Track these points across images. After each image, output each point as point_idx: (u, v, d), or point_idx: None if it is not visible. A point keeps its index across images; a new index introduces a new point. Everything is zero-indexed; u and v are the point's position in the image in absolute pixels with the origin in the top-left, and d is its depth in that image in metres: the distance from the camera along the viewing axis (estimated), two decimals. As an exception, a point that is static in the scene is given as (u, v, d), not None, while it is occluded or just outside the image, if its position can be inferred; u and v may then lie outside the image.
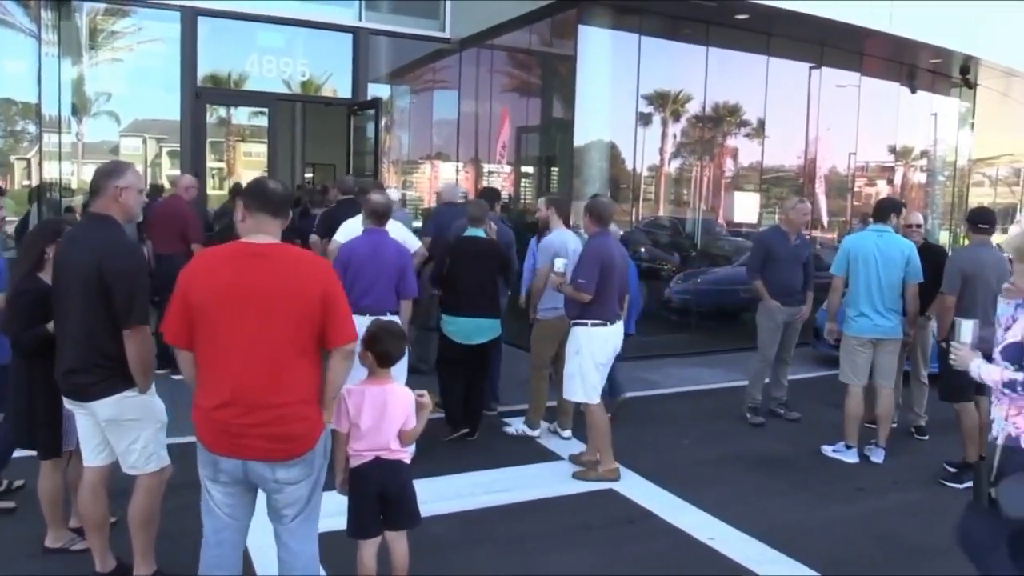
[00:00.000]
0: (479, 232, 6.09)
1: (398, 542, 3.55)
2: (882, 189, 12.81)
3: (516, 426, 6.40)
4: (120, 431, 3.57)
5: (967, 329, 3.37)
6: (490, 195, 7.65)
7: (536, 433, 6.28)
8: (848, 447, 5.99)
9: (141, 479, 3.67)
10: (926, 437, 6.55)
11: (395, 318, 5.10)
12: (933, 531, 4.82)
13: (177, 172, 10.42)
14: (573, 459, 5.70)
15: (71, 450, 4.07)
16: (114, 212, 3.51)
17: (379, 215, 5.48)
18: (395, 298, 5.37)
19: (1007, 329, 3.26)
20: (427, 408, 3.49)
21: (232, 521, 3.05)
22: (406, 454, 3.53)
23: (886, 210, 6.15)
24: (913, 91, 12.33)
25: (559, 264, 5.53)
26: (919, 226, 6.59)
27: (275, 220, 2.98)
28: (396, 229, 5.92)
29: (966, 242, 7.01)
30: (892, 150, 12.77)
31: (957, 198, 14.52)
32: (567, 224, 6.39)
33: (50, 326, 3.72)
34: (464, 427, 6.10)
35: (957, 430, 5.68)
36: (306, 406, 2.95)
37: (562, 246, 5.93)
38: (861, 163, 12.26)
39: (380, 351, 3.45)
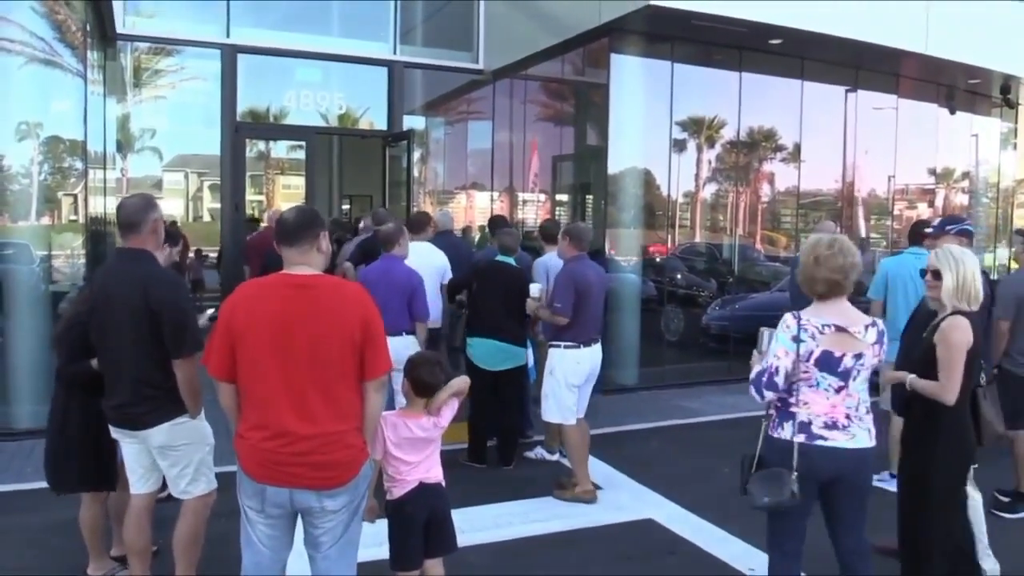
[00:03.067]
0: (510, 260, 6.17)
1: (436, 570, 3.56)
2: (923, 212, 12.62)
3: (536, 451, 6.47)
4: (173, 457, 3.65)
5: (765, 337, 3.51)
6: (496, 223, 7.77)
7: (555, 457, 6.34)
8: (892, 476, 5.85)
9: (188, 503, 3.74)
10: (976, 465, 6.36)
11: (411, 338, 5.51)
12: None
13: (218, 205, 10.62)
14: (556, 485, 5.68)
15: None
16: (149, 245, 3.61)
17: (384, 242, 5.91)
18: (408, 320, 5.68)
19: None
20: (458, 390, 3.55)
21: (272, 554, 3.06)
22: (442, 478, 3.55)
23: (917, 233, 6.06)
24: (952, 112, 12.15)
25: (535, 289, 5.71)
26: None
27: (293, 249, 2.98)
28: (432, 255, 6.38)
29: (1015, 265, 6.87)
30: (932, 172, 12.58)
31: (1001, 220, 14.25)
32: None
33: (94, 362, 3.78)
34: (482, 462, 6.20)
35: (1011, 456, 5.52)
36: (351, 434, 2.97)
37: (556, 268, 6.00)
38: (901, 186, 12.09)
39: (415, 378, 3.47)
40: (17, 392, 6.78)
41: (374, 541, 3.60)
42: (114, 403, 3.63)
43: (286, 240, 2.99)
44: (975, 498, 4.27)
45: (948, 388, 3.54)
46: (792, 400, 3.31)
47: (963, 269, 3.65)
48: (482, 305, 6.10)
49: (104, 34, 8.98)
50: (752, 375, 3.37)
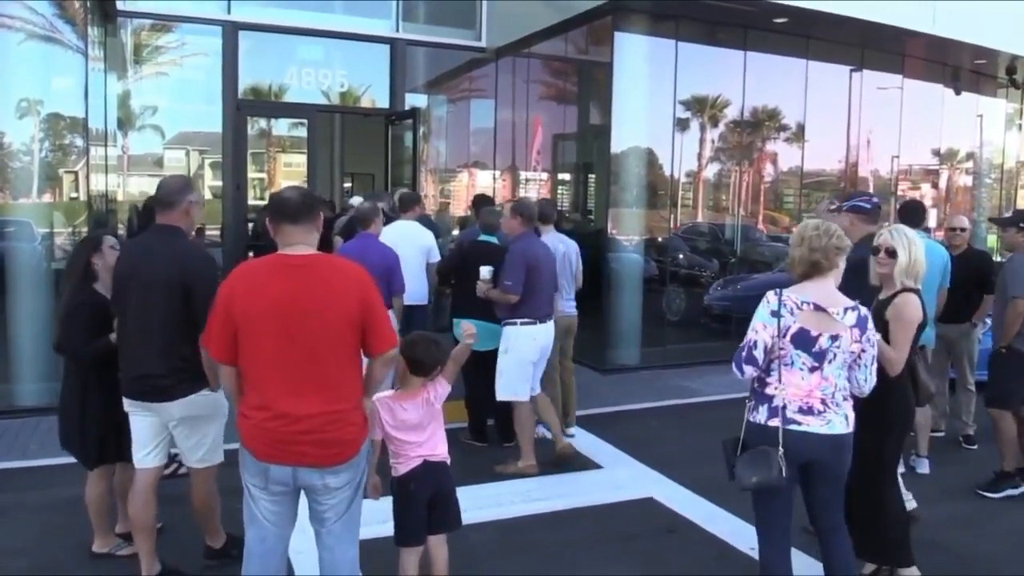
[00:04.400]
0: (491, 238, 6.20)
1: (440, 548, 3.58)
2: (926, 192, 12.58)
3: (538, 429, 6.36)
4: (193, 427, 3.78)
5: (485, 272, 5.06)
6: (479, 201, 7.78)
7: (572, 431, 6.48)
8: (919, 456, 5.89)
9: (199, 473, 3.86)
10: (975, 447, 6.40)
11: (389, 312, 5.48)
12: (984, 541, 4.72)
13: (219, 183, 10.60)
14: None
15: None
16: (182, 224, 3.76)
17: (361, 221, 6.16)
18: (386, 296, 5.69)
19: None
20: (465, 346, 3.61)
21: (276, 529, 3.08)
22: (447, 455, 3.57)
23: (916, 214, 5.97)
24: (957, 92, 12.08)
25: (485, 272, 5.72)
26: (963, 230, 6.46)
27: (297, 227, 2.98)
28: (418, 234, 6.63)
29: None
30: (936, 153, 12.53)
31: (1005, 201, 14.20)
32: (557, 228, 6.63)
33: (113, 336, 3.88)
34: (484, 440, 6.29)
35: (995, 437, 5.53)
36: (352, 411, 3.01)
37: (553, 247, 6.14)
38: (904, 166, 12.04)
39: (411, 357, 3.46)
40: (20, 370, 6.81)
41: (378, 518, 3.62)
42: (137, 374, 3.69)
43: (290, 219, 2.98)
44: None
45: (898, 360, 3.74)
46: (769, 380, 3.35)
47: (915, 249, 3.85)
48: (467, 285, 6.02)
49: (104, 11, 8.91)
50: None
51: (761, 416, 3.36)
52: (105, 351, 3.93)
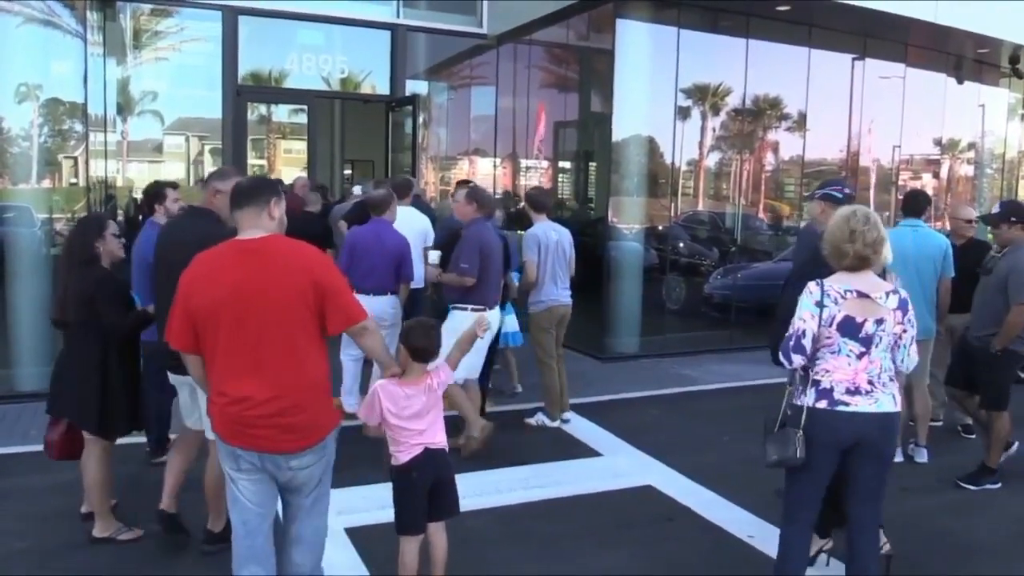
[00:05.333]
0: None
1: (439, 535, 3.58)
2: (927, 182, 12.55)
3: (537, 417, 6.51)
4: None
5: (434, 256, 5.28)
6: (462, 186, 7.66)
7: (555, 423, 6.46)
8: (917, 446, 5.90)
9: (214, 444, 3.85)
10: (974, 436, 6.41)
11: (395, 297, 5.93)
12: (980, 530, 4.73)
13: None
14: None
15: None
16: (214, 208, 3.97)
17: (376, 207, 6.14)
18: (395, 281, 6.01)
19: None
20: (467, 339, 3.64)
21: (259, 509, 3.10)
22: (446, 443, 3.58)
23: (921, 204, 5.95)
24: (960, 82, 12.04)
25: (433, 256, 5.83)
26: (966, 221, 6.44)
27: (245, 212, 3.03)
28: (415, 219, 6.72)
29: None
30: (938, 142, 12.50)
31: (1006, 191, 14.17)
32: (549, 216, 6.62)
33: (151, 308, 4.17)
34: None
35: (986, 434, 5.52)
36: (313, 396, 3.02)
37: (544, 236, 6.28)
38: (906, 156, 12.02)
39: (411, 345, 3.45)
40: (20, 355, 6.82)
41: (377, 504, 3.62)
42: (168, 348, 3.77)
43: (236, 204, 3.06)
44: None
45: None
46: (816, 367, 3.38)
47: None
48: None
49: (104, -6, 8.89)
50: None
51: (809, 399, 3.38)
52: (144, 323, 4.22)
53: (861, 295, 3.30)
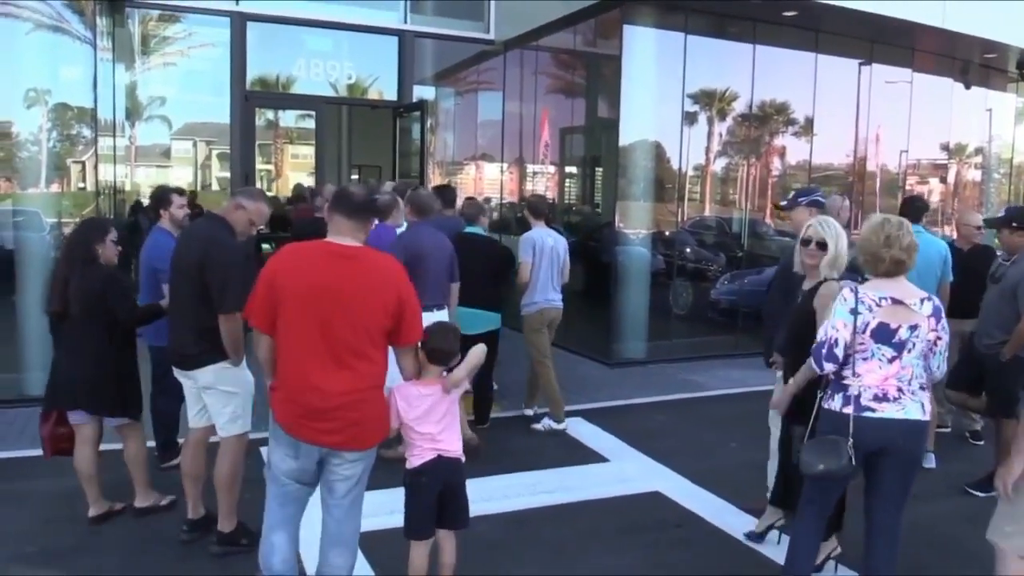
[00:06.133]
0: (477, 229, 6.41)
1: (448, 541, 3.59)
2: (934, 187, 12.53)
3: (544, 422, 6.53)
4: (216, 396, 4.15)
5: None
6: (441, 190, 7.62)
7: (563, 426, 6.48)
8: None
9: (226, 442, 4.17)
10: (982, 442, 6.39)
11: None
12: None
13: (227, 175, 10.62)
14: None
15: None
16: (230, 219, 4.17)
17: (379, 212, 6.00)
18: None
19: None
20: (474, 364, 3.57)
21: (298, 488, 3.25)
22: (462, 453, 3.58)
23: (919, 210, 5.98)
24: (967, 87, 12.02)
25: None
26: (978, 228, 6.42)
27: (350, 222, 3.20)
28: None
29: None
30: (945, 147, 12.47)
31: (1014, 196, 14.14)
32: (547, 223, 6.73)
33: (164, 302, 4.46)
34: (484, 423, 6.44)
35: (996, 440, 5.47)
36: (377, 396, 3.23)
37: (540, 240, 6.42)
38: (913, 161, 12.00)
39: (430, 347, 3.45)
40: (29, 359, 6.84)
41: (386, 509, 3.63)
42: (174, 346, 4.18)
43: (350, 213, 3.20)
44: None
45: None
46: (846, 373, 3.42)
47: (841, 242, 3.95)
48: (462, 275, 6.00)
49: (113, 0, 8.92)
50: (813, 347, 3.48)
51: (836, 404, 3.44)
52: (154, 315, 4.57)
53: (896, 301, 3.35)
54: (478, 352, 3.57)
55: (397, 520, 3.57)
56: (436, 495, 3.47)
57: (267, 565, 3.28)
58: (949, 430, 6.57)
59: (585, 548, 4.45)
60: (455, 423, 3.55)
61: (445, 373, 3.50)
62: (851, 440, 3.32)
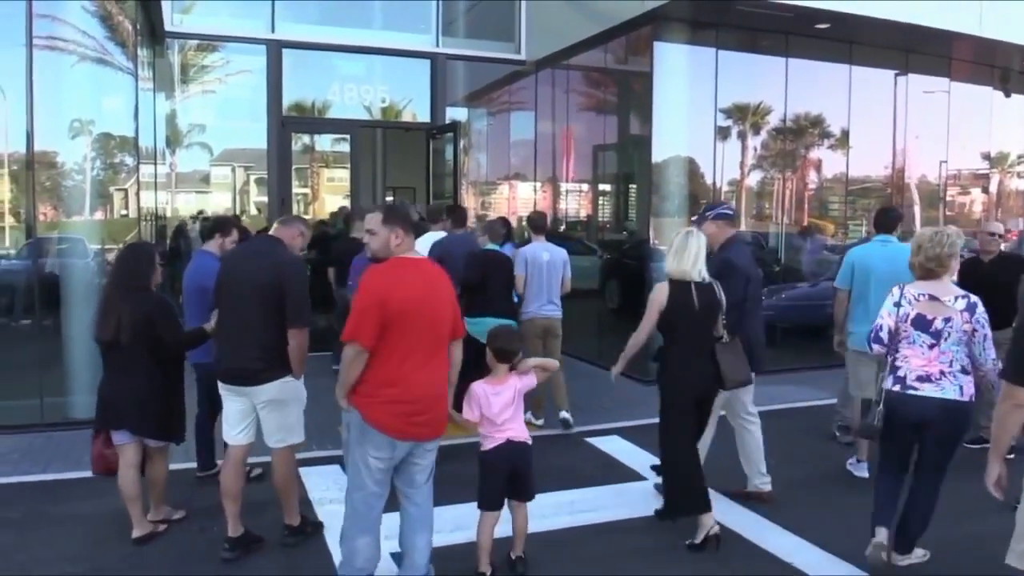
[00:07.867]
0: (496, 246, 6.85)
1: (520, 510, 4.21)
2: (976, 197, 12.31)
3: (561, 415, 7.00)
4: (277, 409, 4.35)
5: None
6: (451, 211, 7.90)
7: (539, 422, 6.98)
8: (859, 461, 5.87)
9: (280, 453, 4.44)
10: (1011, 456, 6.20)
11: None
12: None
13: (264, 199, 10.78)
14: None
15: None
16: (290, 243, 4.49)
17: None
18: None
19: None
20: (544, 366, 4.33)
21: (381, 489, 3.65)
22: (528, 437, 4.15)
23: (892, 220, 5.96)
24: (1007, 95, 11.82)
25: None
26: (998, 235, 6.33)
27: (412, 237, 3.73)
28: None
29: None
30: (986, 156, 12.26)
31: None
32: (546, 237, 7.19)
33: (208, 326, 4.62)
34: None
35: None
36: (448, 389, 3.78)
37: (536, 255, 6.89)
38: (953, 171, 11.80)
39: (496, 347, 4.08)
40: (75, 383, 6.97)
41: (451, 527, 4.20)
42: (233, 363, 4.28)
43: (415, 230, 3.76)
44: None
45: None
46: (897, 356, 4.14)
47: (679, 253, 4.72)
48: (486, 288, 6.51)
49: (153, 32, 9.15)
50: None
51: (888, 383, 4.14)
52: (199, 340, 4.71)
53: (932, 298, 4.05)
54: (552, 361, 4.52)
55: (463, 536, 4.12)
56: (505, 474, 4.04)
57: (351, 566, 3.64)
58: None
59: (624, 567, 4.42)
60: (519, 413, 4.10)
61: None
62: (880, 407, 4.09)
